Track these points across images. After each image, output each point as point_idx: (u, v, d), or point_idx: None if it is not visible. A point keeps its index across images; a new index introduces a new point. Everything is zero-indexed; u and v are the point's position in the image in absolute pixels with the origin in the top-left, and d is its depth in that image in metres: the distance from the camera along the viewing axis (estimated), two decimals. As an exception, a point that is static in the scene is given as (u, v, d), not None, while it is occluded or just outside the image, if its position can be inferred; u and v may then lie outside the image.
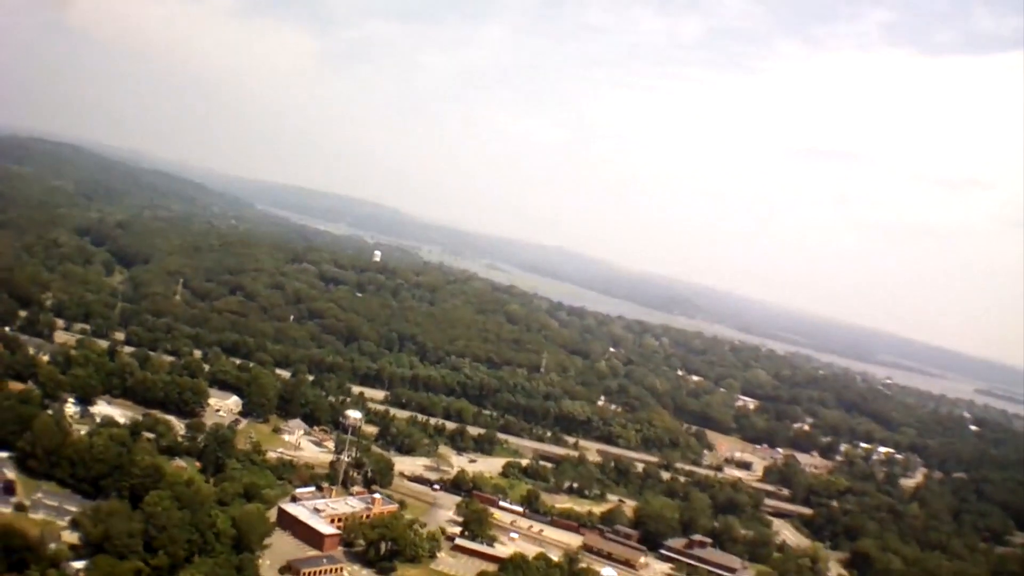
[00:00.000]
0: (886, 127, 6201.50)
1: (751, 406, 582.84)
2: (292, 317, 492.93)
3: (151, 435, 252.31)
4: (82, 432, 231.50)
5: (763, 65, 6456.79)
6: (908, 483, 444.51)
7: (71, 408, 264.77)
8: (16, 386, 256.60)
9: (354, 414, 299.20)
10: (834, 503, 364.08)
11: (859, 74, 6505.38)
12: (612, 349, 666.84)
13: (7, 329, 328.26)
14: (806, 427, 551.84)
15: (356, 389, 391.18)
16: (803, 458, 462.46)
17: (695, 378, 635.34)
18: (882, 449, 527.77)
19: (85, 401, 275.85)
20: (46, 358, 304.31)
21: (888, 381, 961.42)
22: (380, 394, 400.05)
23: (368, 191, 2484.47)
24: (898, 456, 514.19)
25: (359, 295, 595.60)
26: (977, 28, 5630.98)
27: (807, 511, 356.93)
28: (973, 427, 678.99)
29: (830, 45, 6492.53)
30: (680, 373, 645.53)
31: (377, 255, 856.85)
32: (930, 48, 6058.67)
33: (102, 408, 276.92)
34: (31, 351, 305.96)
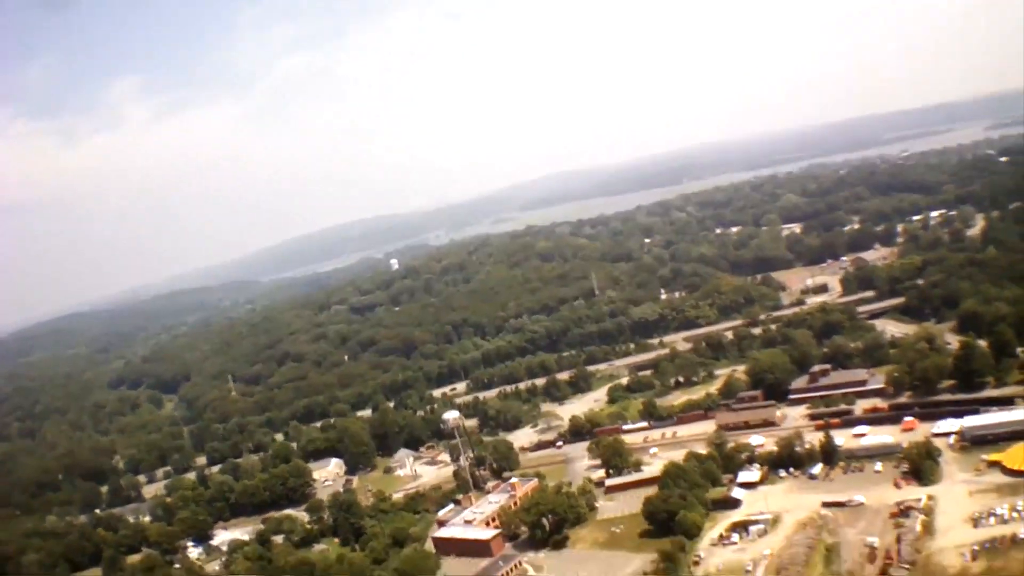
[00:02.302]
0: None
1: (797, 231, 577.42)
2: (346, 357, 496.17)
3: (280, 536, 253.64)
4: (216, 567, 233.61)
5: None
6: (974, 233, 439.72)
7: (194, 552, 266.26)
8: (134, 558, 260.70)
9: (450, 415, 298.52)
10: (919, 282, 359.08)
11: None
12: (647, 240, 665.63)
13: (98, 512, 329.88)
14: (856, 226, 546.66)
15: (437, 393, 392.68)
16: (869, 256, 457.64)
17: (734, 229, 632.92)
18: (934, 214, 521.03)
19: (203, 538, 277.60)
20: (147, 518, 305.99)
21: (905, 153, 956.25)
22: (461, 386, 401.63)
23: (348, 216, 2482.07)
24: (952, 213, 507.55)
25: (396, 308, 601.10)
26: None
27: (898, 301, 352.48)
28: (1002, 159, 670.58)
29: None
30: (719, 231, 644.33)
31: (394, 263, 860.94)
32: None
33: (222, 536, 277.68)
34: (131, 520, 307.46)
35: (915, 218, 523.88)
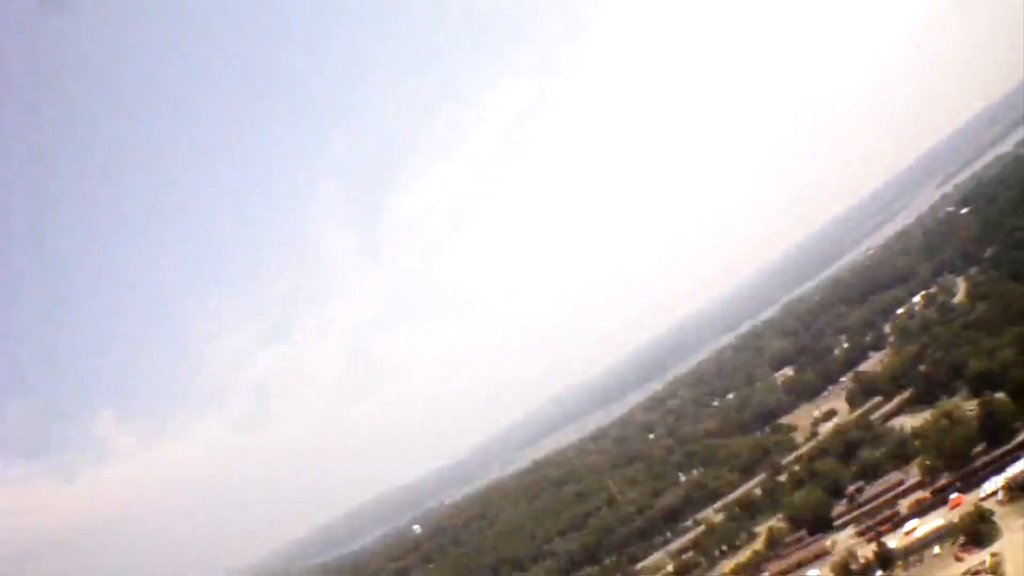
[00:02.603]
0: None
1: (790, 373, 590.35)
2: None
3: None
4: None
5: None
6: (959, 298, 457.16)
7: None
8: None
9: None
10: (920, 368, 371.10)
11: None
12: (651, 436, 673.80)
13: None
14: (845, 345, 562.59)
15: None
16: (866, 367, 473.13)
17: (730, 396, 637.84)
18: (915, 299, 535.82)
19: None
20: None
21: (870, 252, 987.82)
22: None
23: (364, 494, 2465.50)
24: (932, 291, 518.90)
25: (430, 565, 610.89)
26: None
27: (907, 394, 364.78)
28: (964, 210, 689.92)
29: None
30: (716, 403, 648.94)
31: (417, 528, 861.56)
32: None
33: None
34: None
35: (899, 311, 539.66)
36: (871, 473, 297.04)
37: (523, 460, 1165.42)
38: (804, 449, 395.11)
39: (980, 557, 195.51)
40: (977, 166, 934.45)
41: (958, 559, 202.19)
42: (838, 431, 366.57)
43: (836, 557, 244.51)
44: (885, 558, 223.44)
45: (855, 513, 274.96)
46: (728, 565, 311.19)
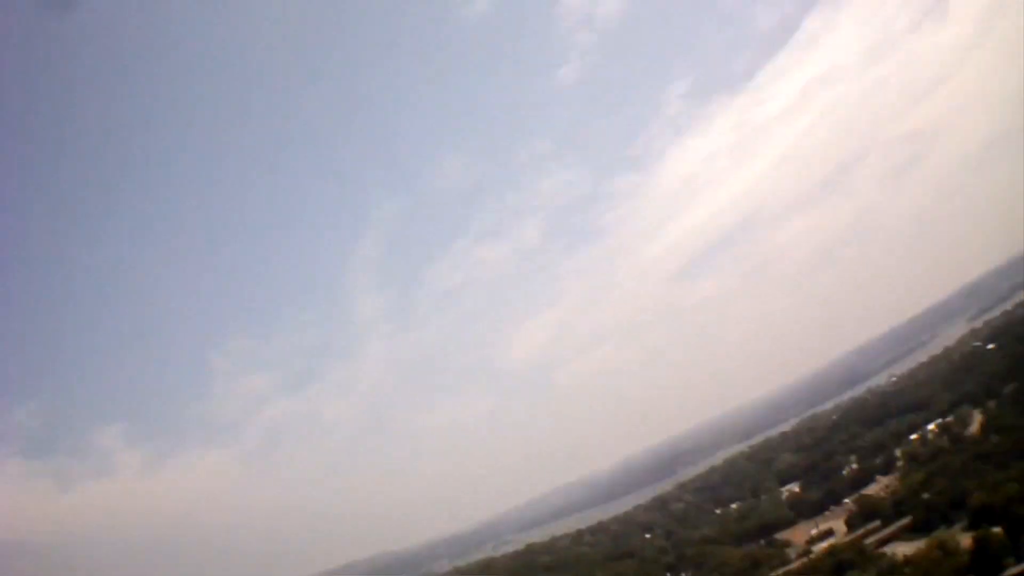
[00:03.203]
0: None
1: (796, 490, 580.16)
2: None
3: None
4: None
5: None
6: (973, 430, 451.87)
7: None
8: None
9: None
10: (924, 496, 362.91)
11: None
12: (647, 535, 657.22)
13: None
14: (854, 466, 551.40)
15: None
16: (871, 490, 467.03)
17: (734, 506, 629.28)
18: (930, 426, 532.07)
19: None
20: None
21: (893, 379, 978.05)
22: None
23: (358, 548, 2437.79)
24: (948, 420, 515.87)
25: None
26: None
27: (906, 520, 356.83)
28: (990, 346, 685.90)
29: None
30: (719, 511, 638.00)
31: None
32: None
33: None
34: None
35: (912, 437, 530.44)
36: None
37: (518, 543, 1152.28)
38: (794, 565, 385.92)
39: None
40: (1009, 304, 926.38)
41: None
42: (831, 551, 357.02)
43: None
44: None
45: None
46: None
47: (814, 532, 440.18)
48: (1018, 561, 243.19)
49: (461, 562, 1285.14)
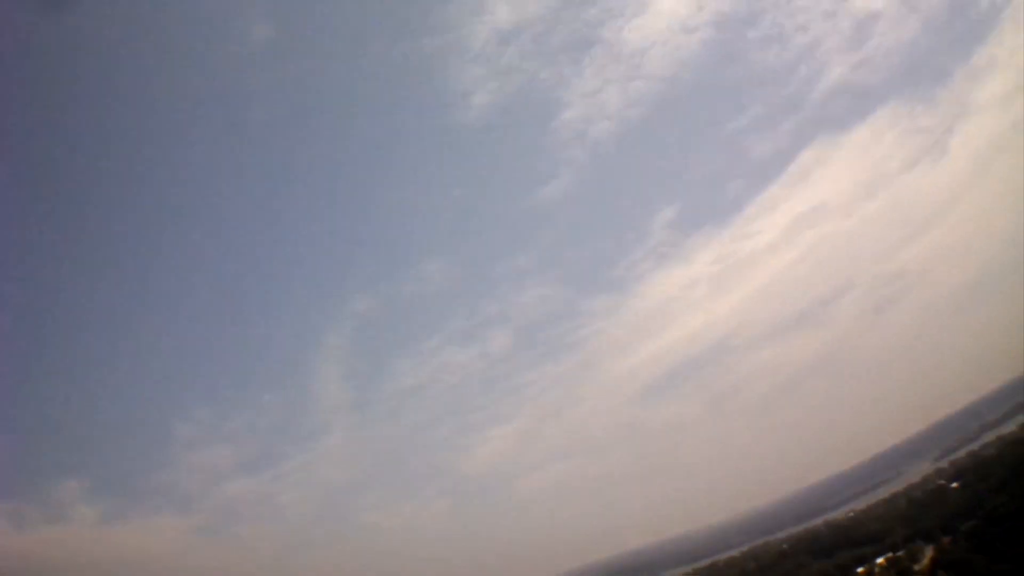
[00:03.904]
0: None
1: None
2: None
3: None
4: None
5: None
6: (922, 566, 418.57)
7: None
8: None
9: None
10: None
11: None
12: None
13: None
14: None
15: None
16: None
17: None
18: (879, 560, 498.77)
19: None
20: None
21: (851, 514, 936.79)
22: None
23: None
24: (899, 554, 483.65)
25: None
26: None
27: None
28: (953, 485, 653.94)
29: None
30: None
31: None
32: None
33: None
34: None
35: (859, 570, 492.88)
36: None
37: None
38: None
39: None
40: (977, 444, 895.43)
41: None
42: None
43: None
44: None
45: None
46: None
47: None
48: None
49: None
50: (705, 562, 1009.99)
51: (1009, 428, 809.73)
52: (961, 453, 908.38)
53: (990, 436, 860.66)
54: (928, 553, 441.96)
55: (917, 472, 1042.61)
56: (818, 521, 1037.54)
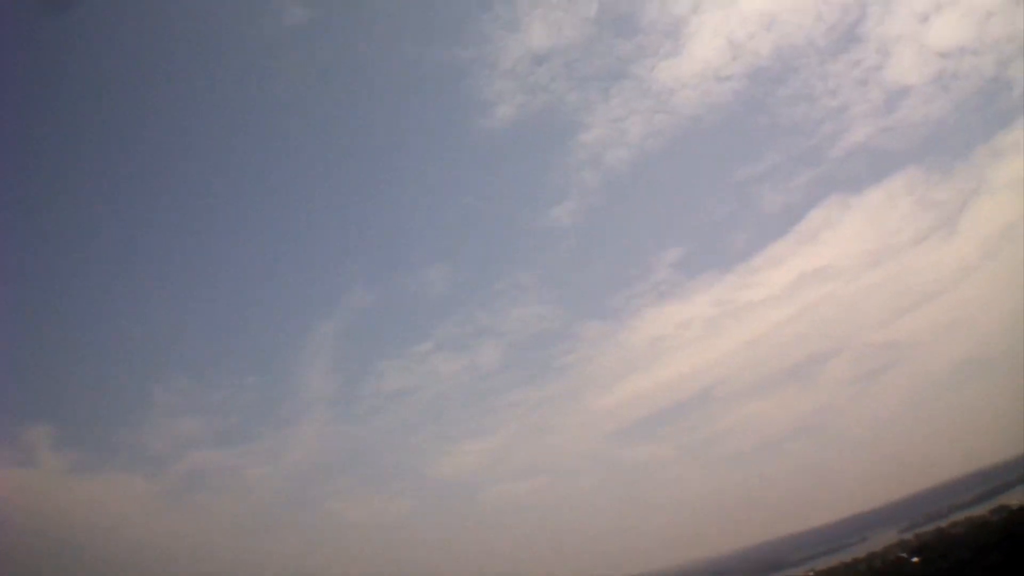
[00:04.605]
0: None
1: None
2: None
3: None
4: None
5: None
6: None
7: None
8: None
9: None
10: None
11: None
12: None
13: None
14: None
15: None
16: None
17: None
18: None
19: None
20: None
21: (811, 574, 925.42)
22: None
23: None
24: None
25: None
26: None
27: None
28: (914, 559, 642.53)
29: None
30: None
31: None
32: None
33: None
34: None
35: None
36: None
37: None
38: None
39: None
40: (945, 522, 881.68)
41: None
42: None
43: None
44: None
45: None
46: None
47: None
48: None
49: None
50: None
51: (980, 511, 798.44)
52: (928, 528, 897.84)
53: (959, 516, 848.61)
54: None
55: (881, 540, 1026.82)
56: (777, 575, 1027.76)
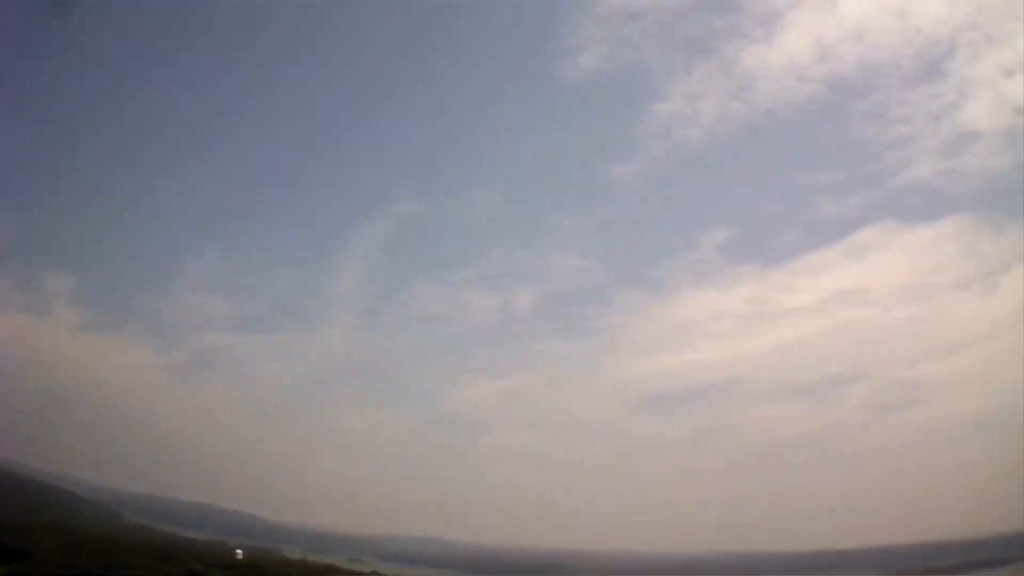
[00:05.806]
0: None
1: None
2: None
3: None
4: None
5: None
6: None
7: None
8: None
9: None
10: None
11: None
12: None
13: None
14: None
15: None
16: None
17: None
18: None
19: None
20: None
21: None
22: None
23: (231, 498, 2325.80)
24: None
25: None
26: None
27: None
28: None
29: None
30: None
31: (239, 553, 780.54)
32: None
33: None
34: None
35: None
36: None
37: (360, 562, 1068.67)
38: None
39: None
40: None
41: None
42: None
43: None
44: None
45: None
46: None
47: None
48: None
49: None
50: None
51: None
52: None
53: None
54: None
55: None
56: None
